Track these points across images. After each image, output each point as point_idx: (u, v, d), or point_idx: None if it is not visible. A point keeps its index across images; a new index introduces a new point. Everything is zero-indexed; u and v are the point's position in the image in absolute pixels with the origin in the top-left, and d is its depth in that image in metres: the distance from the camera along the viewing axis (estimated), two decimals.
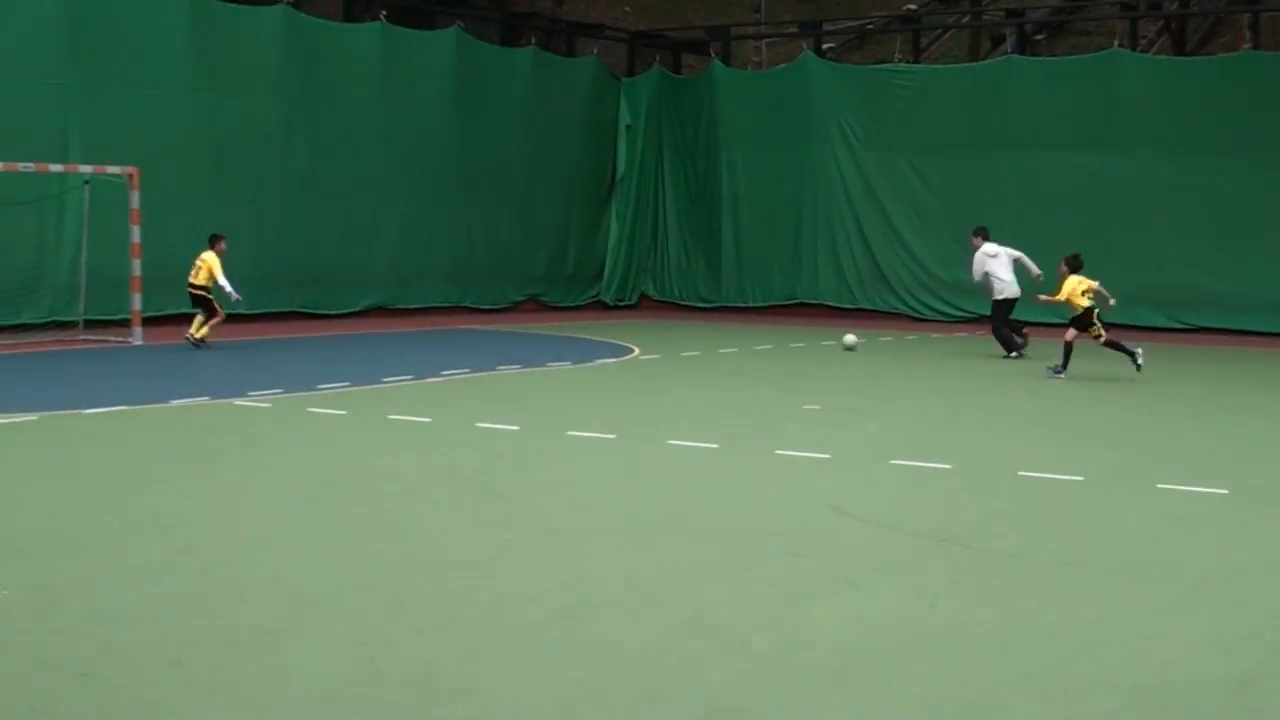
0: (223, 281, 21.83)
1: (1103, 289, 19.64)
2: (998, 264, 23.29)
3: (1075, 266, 19.96)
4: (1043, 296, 20.67)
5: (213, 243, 22.35)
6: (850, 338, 23.96)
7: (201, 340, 21.93)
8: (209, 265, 22.01)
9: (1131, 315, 28.93)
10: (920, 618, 7.29)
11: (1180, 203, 28.85)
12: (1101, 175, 29.45)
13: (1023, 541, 9.14)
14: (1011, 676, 6.34)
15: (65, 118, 24.76)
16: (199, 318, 22.14)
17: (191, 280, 22.15)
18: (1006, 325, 23.18)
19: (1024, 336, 23.18)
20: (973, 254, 23.70)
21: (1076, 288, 19.62)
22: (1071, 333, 19.75)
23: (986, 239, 23.66)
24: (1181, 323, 28.88)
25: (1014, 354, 22.64)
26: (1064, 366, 19.64)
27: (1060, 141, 29.85)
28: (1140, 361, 19.19)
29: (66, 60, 24.65)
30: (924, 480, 11.49)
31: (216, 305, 22.20)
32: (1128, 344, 19.62)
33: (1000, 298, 23.18)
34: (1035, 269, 23.30)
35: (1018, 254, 23.56)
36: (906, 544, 9.03)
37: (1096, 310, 19.55)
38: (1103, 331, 19.60)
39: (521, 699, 5.98)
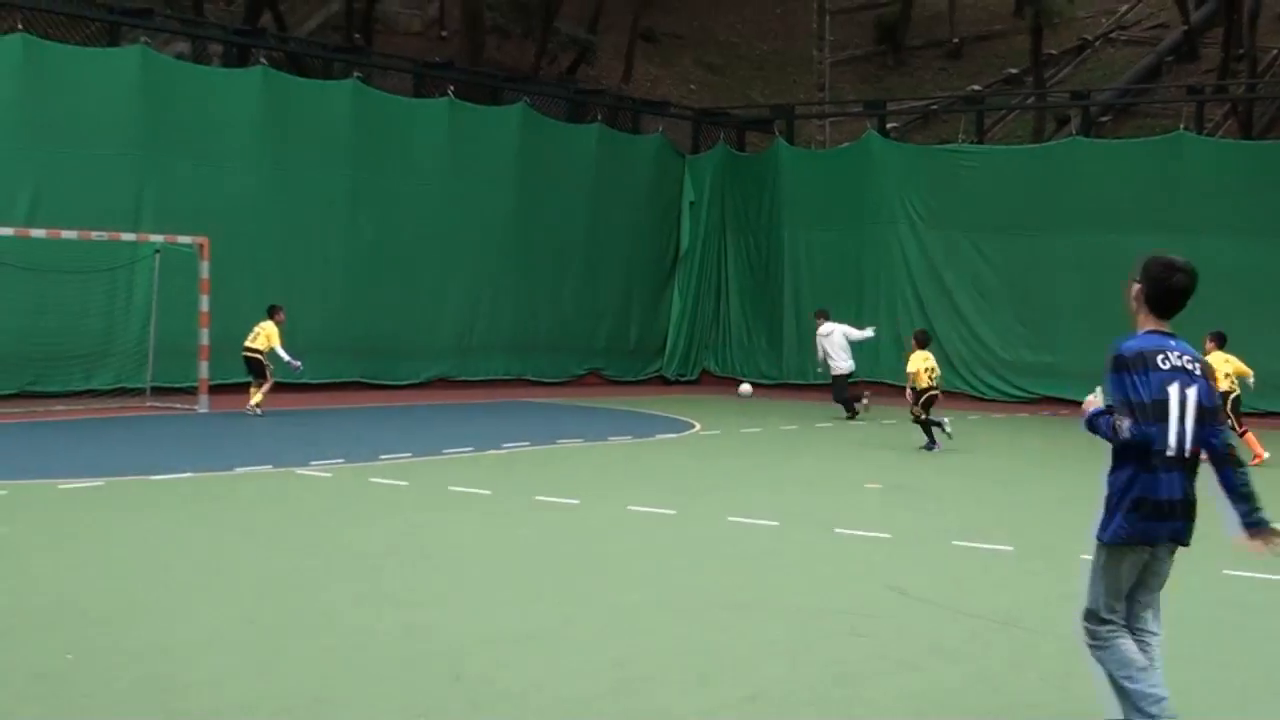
0: (280, 352, 22.29)
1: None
2: (830, 343, 26.22)
3: (923, 343, 20.95)
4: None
5: (271, 314, 22.76)
6: (745, 388, 28.09)
7: (253, 404, 22.28)
8: (267, 333, 22.54)
9: None
10: (981, 700, 7.22)
11: (1247, 286, 28.59)
12: None
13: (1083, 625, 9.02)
14: None
15: (138, 188, 25.19)
16: (253, 386, 22.52)
17: (248, 344, 22.54)
18: (844, 392, 25.83)
19: (862, 401, 25.75)
20: (814, 334, 26.91)
21: (921, 365, 20.36)
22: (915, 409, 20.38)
23: (826, 319, 26.40)
24: (1249, 407, 28.55)
25: (851, 416, 25.25)
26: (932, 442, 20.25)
27: (1124, 223, 29.70)
28: (948, 431, 20.20)
29: (141, 132, 25.10)
30: (985, 561, 11.40)
31: (268, 371, 22.55)
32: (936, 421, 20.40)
33: (836, 374, 26.05)
34: (861, 333, 26.62)
35: (845, 328, 26.64)
36: (967, 626, 8.95)
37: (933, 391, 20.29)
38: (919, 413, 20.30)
39: None
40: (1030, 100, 39.36)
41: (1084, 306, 30.16)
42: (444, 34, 42.89)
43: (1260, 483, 6.44)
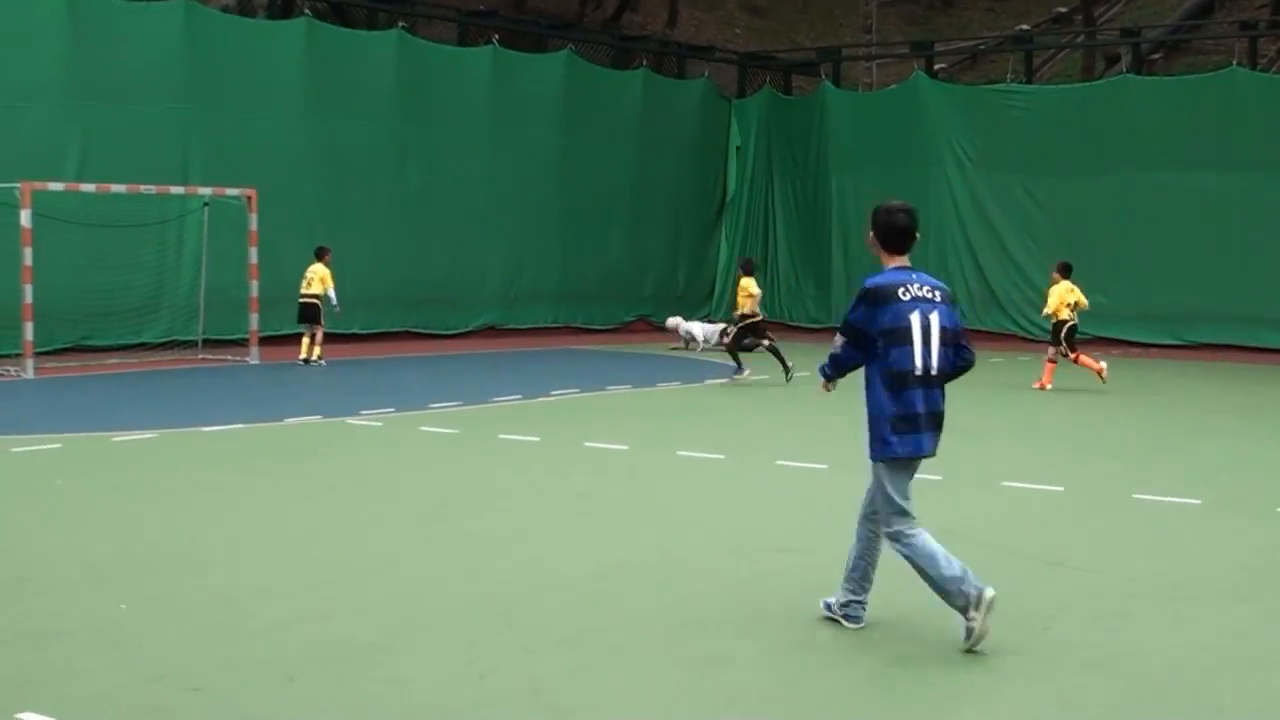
0: (331, 294, 22.39)
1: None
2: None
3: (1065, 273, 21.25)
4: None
5: (320, 255, 22.86)
6: (675, 320, 29.01)
7: (315, 358, 22.43)
8: (321, 276, 22.64)
9: (1251, 335, 28.52)
10: (1033, 640, 7.20)
11: None
12: (1218, 195, 28.97)
13: (1136, 565, 9.00)
14: (1126, 701, 6.24)
15: (186, 141, 25.28)
16: (306, 339, 22.71)
17: (304, 291, 22.66)
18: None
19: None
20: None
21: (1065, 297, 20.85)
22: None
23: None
24: None
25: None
26: None
27: (1176, 161, 29.41)
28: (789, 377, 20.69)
29: (187, 86, 25.17)
30: (1035, 502, 11.36)
31: (321, 317, 22.76)
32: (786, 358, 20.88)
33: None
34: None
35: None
36: (1019, 567, 8.93)
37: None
38: None
39: (630, 715, 5.99)
40: (1079, 39, 38.88)
41: (1135, 246, 29.92)
42: None
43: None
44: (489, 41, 30.39)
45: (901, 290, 7.14)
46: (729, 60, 37.66)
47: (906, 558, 7.14)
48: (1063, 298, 20.86)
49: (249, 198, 23.56)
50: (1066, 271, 21.31)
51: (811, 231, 34.74)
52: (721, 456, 13.54)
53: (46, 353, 21.99)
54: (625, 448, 13.93)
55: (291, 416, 16.08)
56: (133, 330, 24.33)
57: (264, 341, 23.95)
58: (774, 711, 6.07)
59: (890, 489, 7.11)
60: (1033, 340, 30.75)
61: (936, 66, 36.15)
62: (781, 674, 6.59)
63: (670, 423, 16.54)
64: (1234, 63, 29.96)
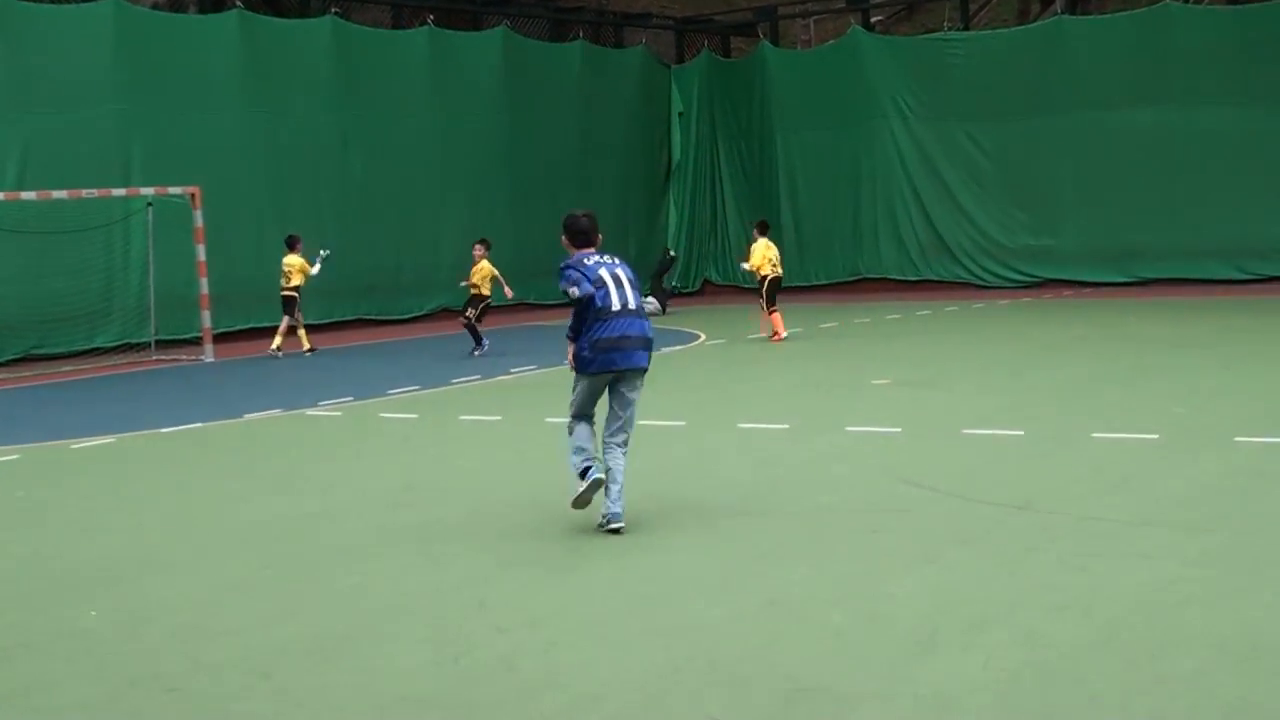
0: (314, 270, 22.77)
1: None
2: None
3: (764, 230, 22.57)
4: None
5: (293, 245, 22.99)
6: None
7: (276, 349, 22.56)
8: (299, 266, 22.78)
9: (1200, 269, 28.78)
10: (1000, 586, 7.26)
11: (1243, 152, 28.50)
12: (1160, 130, 29.17)
13: (1100, 504, 9.07)
14: (1094, 640, 6.31)
15: (125, 142, 25.08)
16: (300, 332, 23.03)
17: (284, 285, 22.77)
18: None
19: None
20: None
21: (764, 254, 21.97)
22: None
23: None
24: (1252, 273, 28.54)
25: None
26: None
27: (1116, 99, 29.59)
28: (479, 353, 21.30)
29: (123, 87, 24.97)
30: (997, 448, 11.44)
31: (297, 310, 22.78)
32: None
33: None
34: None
35: None
36: (982, 514, 8.99)
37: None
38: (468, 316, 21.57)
39: (606, 688, 6.01)
40: None
41: (1081, 186, 30.11)
42: None
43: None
44: (424, 23, 30.23)
45: (590, 260, 9.67)
46: (665, 26, 37.60)
47: (569, 439, 9.39)
48: (765, 255, 21.90)
49: (193, 195, 23.40)
50: (765, 229, 22.76)
51: (759, 193, 34.79)
52: (682, 423, 13.56)
53: None
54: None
55: (250, 412, 16.01)
56: (85, 336, 24.15)
57: (218, 339, 23.82)
58: (748, 677, 6.09)
59: (581, 394, 9.36)
60: (986, 287, 30.95)
61: (873, 20, 36.17)
62: (752, 639, 6.62)
63: None
64: None
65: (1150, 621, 6.55)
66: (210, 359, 23.02)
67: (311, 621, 7.28)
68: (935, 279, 32.15)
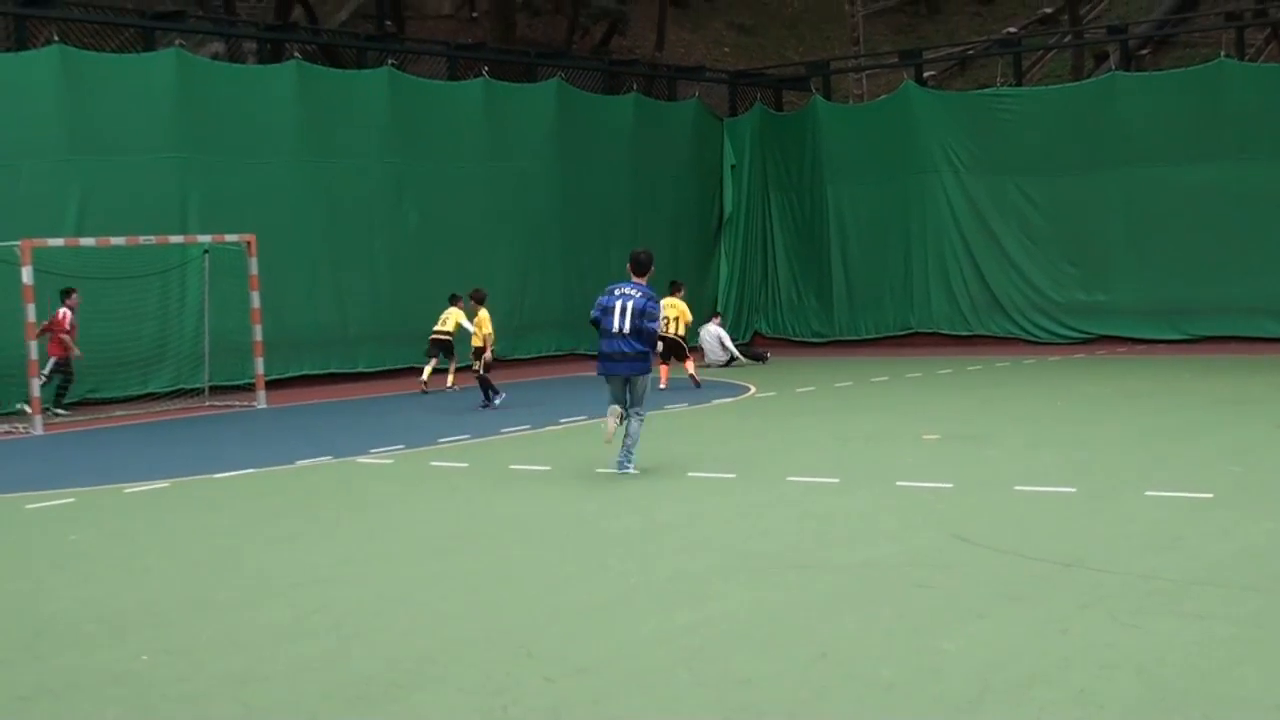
0: (466, 324, 23.48)
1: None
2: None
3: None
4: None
5: (454, 301, 24.47)
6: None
7: (451, 386, 24.46)
8: (455, 318, 24.22)
9: (1255, 326, 28.54)
10: (1051, 643, 7.22)
11: None
12: (1213, 187, 29.00)
13: (1153, 562, 9.01)
14: (1145, 699, 6.26)
15: (183, 190, 25.31)
16: (444, 364, 24.73)
17: (438, 329, 24.40)
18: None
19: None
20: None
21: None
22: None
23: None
24: None
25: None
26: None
27: (1170, 156, 29.45)
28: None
29: (181, 134, 25.22)
30: (1048, 505, 11.38)
31: (455, 351, 24.47)
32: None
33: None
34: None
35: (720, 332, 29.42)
36: (1033, 570, 8.94)
37: None
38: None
39: None
40: (1067, 38, 39.00)
41: (1133, 242, 29.96)
42: (474, 15, 42.88)
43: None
44: (479, 74, 30.49)
45: (616, 290, 13.89)
46: (719, 80, 37.75)
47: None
48: (672, 311, 23.50)
49: (248, 243, 23.62)
50: (677, 289, 24.77)
51: (810, 246, 34.78)
52: (732, 476, 13.56)
53: None
54: (635, 472, 13.94)
55: (302, 459, 16.11)
56: (139, 381, 24.36)
57: (270, 385, 23.98)
58: None
59: (609, 389, 13.74)
60: (1038, 343, 30.81)
61: (926, 74, 36.21)
62: (801, 693, 6.59)
63: (680, 444, 16.53)
64: (1222, 54, 30.03)
65: (1203, 682, 6.49)
66: (263, 405, 23.17)
67: (360, 668, 7.30)
68: (987, 334, 32.00)
